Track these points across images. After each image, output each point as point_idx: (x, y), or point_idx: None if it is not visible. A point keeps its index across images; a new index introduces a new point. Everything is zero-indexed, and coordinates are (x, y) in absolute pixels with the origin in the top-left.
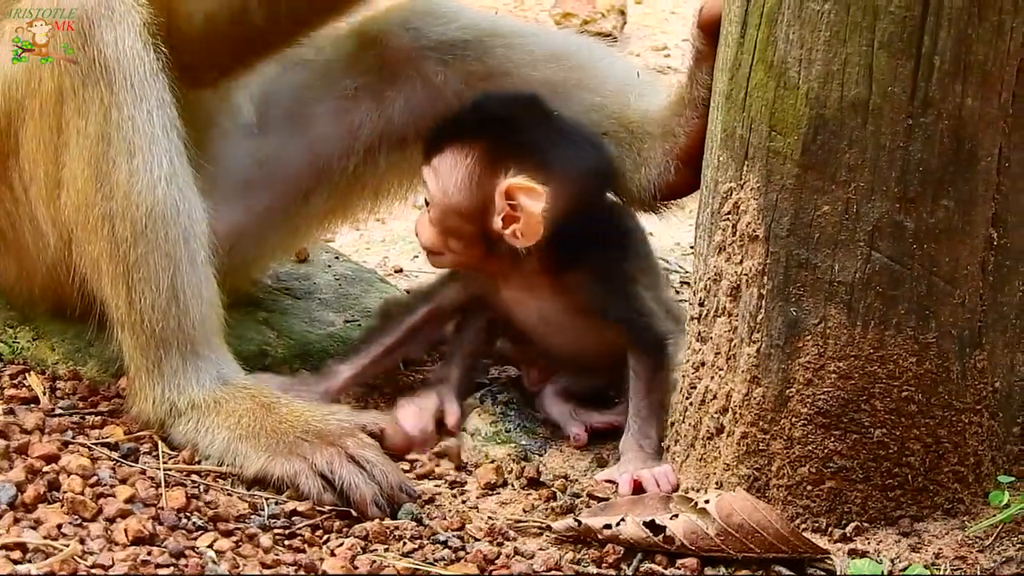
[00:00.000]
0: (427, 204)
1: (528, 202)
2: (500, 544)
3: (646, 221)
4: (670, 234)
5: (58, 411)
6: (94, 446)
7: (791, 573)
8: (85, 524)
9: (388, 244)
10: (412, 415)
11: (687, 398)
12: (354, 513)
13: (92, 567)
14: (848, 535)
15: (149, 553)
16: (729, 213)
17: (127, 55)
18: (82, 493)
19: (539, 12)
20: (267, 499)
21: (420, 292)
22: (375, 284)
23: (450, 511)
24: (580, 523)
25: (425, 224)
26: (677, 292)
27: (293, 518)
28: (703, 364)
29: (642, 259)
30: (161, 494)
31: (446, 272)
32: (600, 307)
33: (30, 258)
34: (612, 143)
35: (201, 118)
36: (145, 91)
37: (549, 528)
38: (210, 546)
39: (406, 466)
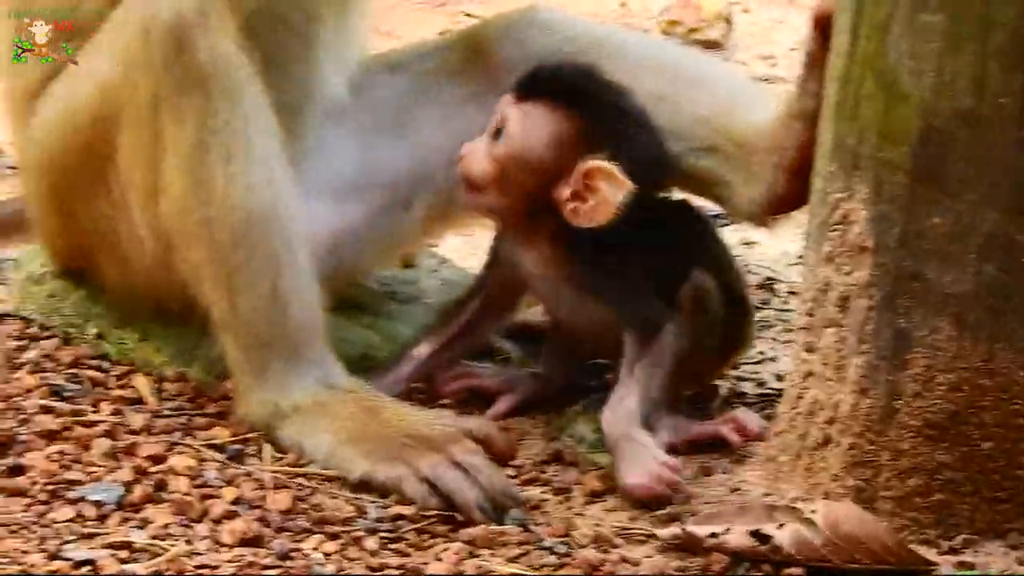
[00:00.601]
0: (496, 137)
1: (609, 189)
2: (606, 551)
3: (752, 232)
4: (777, 244)
5: (165, 412)
6: (200, 447)
7: None
8: (192, 524)
9: None
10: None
11: (794, 408)
12: (459, 518)
13: (199, 567)
14: (956, 548)
15: (255, 554)
16: (838, 224)
17: (222, 61)
18: (189, 494)
19: (645, 19)
20: (372, 502)
21: (471, 287)
22: None
23: (556, 517)
24: (685, 531)
25: (483, 156)
26: (785, 302)
27: (398, 522)
28: (811, 374)
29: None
30: (267, 496)
31: (486, 263)
32: (595, 287)
33: (130, 261)
34: (720, 157)
35: (294, 100)
36: (241, 96)
37: (654, 536)
38: (316, 548)
39: (511, 472)
